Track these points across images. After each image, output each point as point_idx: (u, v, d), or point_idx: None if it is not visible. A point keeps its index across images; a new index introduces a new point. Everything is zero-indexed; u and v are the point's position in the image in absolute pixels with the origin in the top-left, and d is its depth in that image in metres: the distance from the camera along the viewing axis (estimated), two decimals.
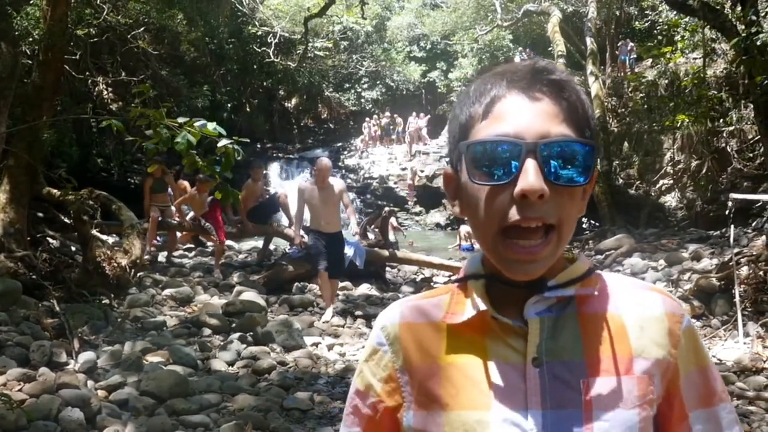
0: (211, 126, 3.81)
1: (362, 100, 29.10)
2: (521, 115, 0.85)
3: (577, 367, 0.87)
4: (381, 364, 0.98)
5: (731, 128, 13.35)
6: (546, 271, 0.88)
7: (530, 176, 0.81)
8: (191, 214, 10.33)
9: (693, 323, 0.96)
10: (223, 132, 3.85)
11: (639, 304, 0.93)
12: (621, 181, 15.96)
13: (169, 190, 11.04)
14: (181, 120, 3.89)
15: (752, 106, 9.72)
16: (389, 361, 0.97)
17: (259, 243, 12.19)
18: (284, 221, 11.01)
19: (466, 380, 0.90)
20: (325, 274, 7.76)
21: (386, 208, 11.81)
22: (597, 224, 13.31)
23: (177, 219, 10.42)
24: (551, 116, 0.85)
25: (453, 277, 1.04)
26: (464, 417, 0.88)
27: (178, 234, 11.44)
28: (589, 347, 0.89)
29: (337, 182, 7.92)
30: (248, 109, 24.41)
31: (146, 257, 9.58)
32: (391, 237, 14.18)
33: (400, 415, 0.95)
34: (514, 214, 0.83)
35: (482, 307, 0.90)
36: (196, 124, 3.84)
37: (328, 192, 7.58)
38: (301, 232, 8.18)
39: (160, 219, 10.03)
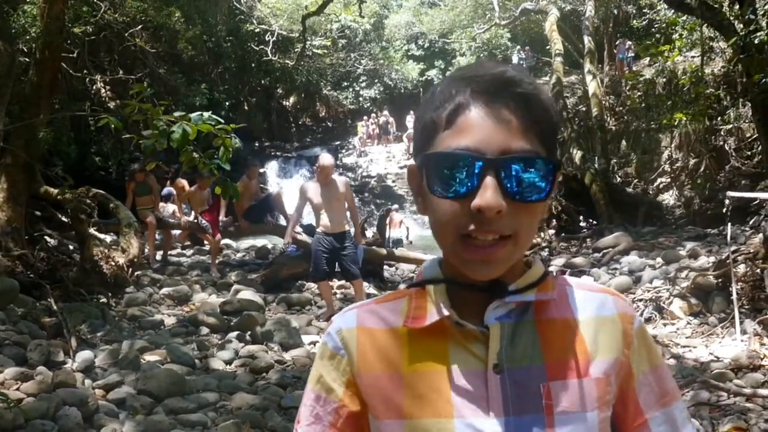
0: (206, 115, 3.81)
1: (360, 99, 29.07)
2: (483, 129, 0.84)
3: (537, 372, 0.88)
4: (340, 369, 0.95)
5: (729, 126, 13.35)
6: (506, 276, 0.89)
7: (488, 193, 0.82)
8: (192, 214, 10.32)
9: (644, 323, 0.98)
10: (221, 120, 3.85)
11: (592, 307, 0.94)
12: (619, 179, 15.98)
13: (171, 190, 11.03)
14: (177, 114, 3.89)
15: (750, 104, 9.74)
16: (347, 365, 0.95)
17: (257, 242, 12.19)
18: (282, 221, 10.97)
19: (428, 388, 0.89)
20: (323, 284, 7.65)
21: (386, 207, 11.82)
22: (594, 222, 13.30)
23: (176, 218, 10.43)
24: (513, 131, 0.84)
25: (409, 281, 1.02)
26: (426, 425, 0.88)
27: (176, 232, 11.43)
28: (548, 352, 0.89)
29: (340, 179, 7.63)
30: (246, 108, 24.38)
31: (156, 264, 9.59)
32: (396, 234, 14.22)
33: (366, 420, 0.94)
34: (471, 226, 0.84)
35: (446, 312, 0.90)
36: (192, 115, 3.84)
37: (331, 189, 7.25)
38: (297, 229, 7.92)
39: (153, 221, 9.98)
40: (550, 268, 9.54)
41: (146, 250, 9.50)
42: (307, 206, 7.56)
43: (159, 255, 10.28)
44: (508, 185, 0.83)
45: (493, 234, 0.83)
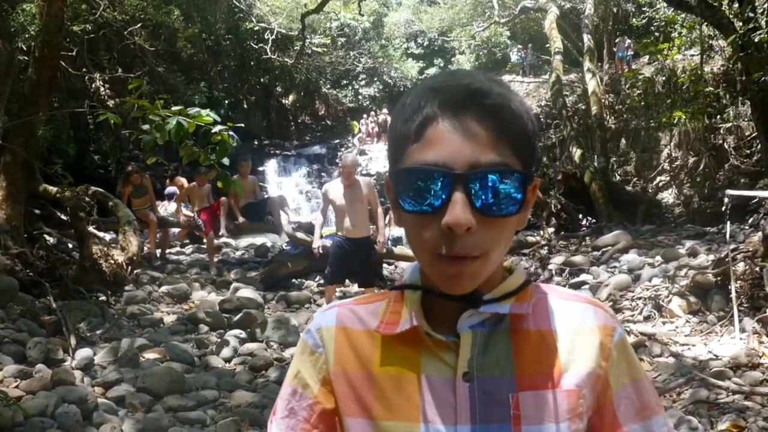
0: (205, 113, 3.82)
1: (360, 97, 29.04)
2: (451, 143, 0.82)
3: (507, 382, 0.88)
4: (317, 366, 0.96)
5: (728, 125, 13.37)
6: (483, 285, 0.88)
7: (457, 209, 0.80)
8: (194, 215, 10.31)
9: (625, 336, 0.96)
10: (218, 119, 3.86)
11: (571, 318, 0.93)
12: (618, 177, 15.98)
13: (175, 189, 11.02)
14: (175, 108, 3.90)
15: (749, 102, 9.75)
16: (323, 363, 0.95)
17: (257, 240, 12.18)
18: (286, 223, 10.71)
19: (397, 392, 0.90)
20: (331, 288, 7.40)
21: (385, 205, 11.80)
22: (594, 221, 13.32)
23: (177, 216, 10.43)
24: (482, 144, 0.82)
25: (392, 285, 1.01)
26: (393, 428, 0.89)
27: (175, 230, 11.44)
28: (520, 362, 0.89)
29: (364, 180, 7.15)
30: (245, 106, 24.34)
31: (157, 262, 9.54)
32: (395, 232, 14.21)
33: (338, 419, 0.95)
34: (441, 246, 0.82)
35: (415, 322, 0.90)
36: (190, 111, 3.85)
37: (354, 190, 6.71)
38: (320, 242, 7.30)
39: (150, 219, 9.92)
40: (550, 266, 9.55)
41: (146, 248, 9.49)
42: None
43: (158, 253, 10.28)
44: (478, 200, 0.81)
45: (462, 254, 0.82)
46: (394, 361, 0.91)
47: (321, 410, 0.95)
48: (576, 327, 0.92)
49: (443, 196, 0.81)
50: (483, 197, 0.81)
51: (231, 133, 4.09)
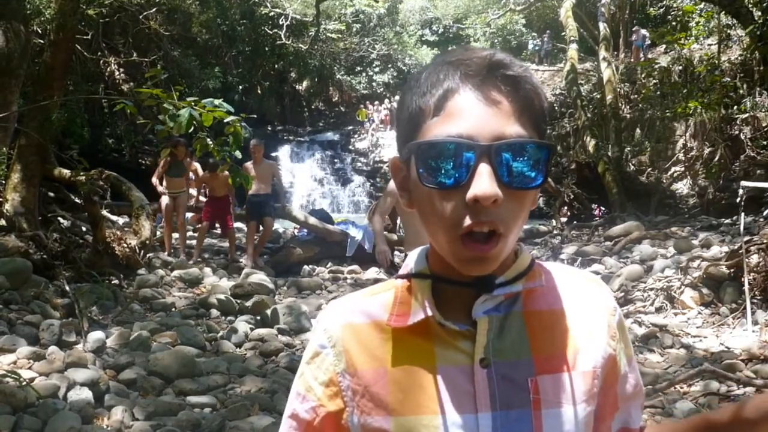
0: (218, 102, 3.82)
1: (373, 84, 28.98)
2: (475, 115, 0.80)
3: (524, 366, 0.86)
4: (322, 367, 0.93)
5: (745, 116, 13.23)
6: (496, 268, 0.86)
7: (484, 181, 0.78)
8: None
9: (622, 314, 0.97)
10: (231, 109, 3.86)
11: (579, 298, 0.92)
12: (632, 167, 15.89)
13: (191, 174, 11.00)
14: (190, 99, 3.90)
15: (767, 93, 9.63)
16: (330, 364, 0.92)
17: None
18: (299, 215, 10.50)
19: (413, 384, 0.87)
20: None
21: None
22: (607, 211, 13.27)
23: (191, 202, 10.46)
24: (506, 115, 0.80)
25: (397, 274, 0.98)
26: (412, 422, 0.86)
27: (189, 215, 11.47)
28: (536, 345, 0.87)
29: None
30: (259, 92, 24.38)
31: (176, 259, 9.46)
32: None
33: (345, 420, 0.92)
34: (467, 220, 0.80)
35: (429, 312, 0.87)
36: (204, 102, 3.85)
37: None
38: (386, 249, 5.39)
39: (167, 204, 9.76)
40: (561, 256, 9.52)
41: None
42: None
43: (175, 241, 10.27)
44: (503, 172, 0.80)
45: (489, 225, 0.80)
46: (407, 354, 0.89)
47: (325, 413, 0.93)
48: (586, 308, 0.92)
49: (468, 169, 0.79)
50: (508, 169, 0.80)
51: (243, 123, 4.09)
